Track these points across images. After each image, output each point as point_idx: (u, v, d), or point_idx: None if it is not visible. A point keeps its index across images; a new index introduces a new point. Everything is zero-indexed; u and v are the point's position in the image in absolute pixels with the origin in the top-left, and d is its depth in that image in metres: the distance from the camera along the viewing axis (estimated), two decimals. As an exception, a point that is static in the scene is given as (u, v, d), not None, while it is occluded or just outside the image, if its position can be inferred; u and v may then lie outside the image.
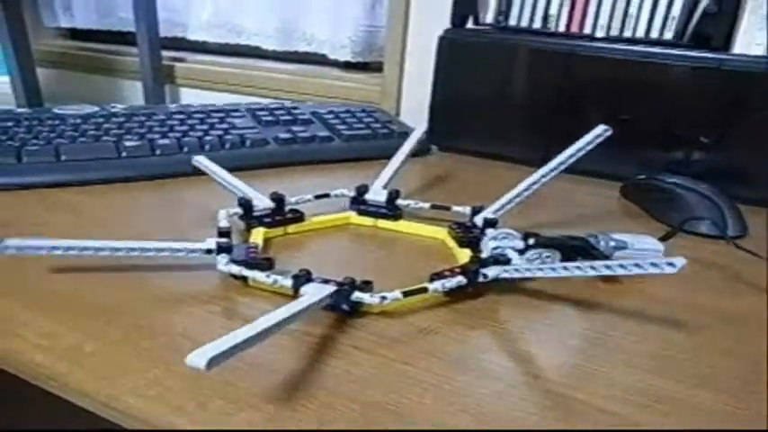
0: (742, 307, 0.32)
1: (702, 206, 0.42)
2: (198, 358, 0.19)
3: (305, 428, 0.21)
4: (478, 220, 0.38)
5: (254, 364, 0.24)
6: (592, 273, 0.27)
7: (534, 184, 0.39)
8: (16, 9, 0.72)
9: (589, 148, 0.37)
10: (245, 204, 0.37)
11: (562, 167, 0.38)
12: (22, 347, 0.25)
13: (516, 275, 0.30)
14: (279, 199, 0.39)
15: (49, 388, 0.24)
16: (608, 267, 0.26)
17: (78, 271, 0.31)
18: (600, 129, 0.37)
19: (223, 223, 0.35)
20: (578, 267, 0.27)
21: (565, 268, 0.27)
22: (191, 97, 0.94)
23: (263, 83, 0.86)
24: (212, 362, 0.19)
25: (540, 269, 0.28)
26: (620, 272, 0.26)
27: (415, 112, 0.62)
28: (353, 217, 0.41)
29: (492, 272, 0.30)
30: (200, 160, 0.44)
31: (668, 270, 0.24)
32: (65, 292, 0.29)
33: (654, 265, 0.25)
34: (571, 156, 0.38)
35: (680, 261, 0.24)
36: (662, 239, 0.36)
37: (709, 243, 0.40)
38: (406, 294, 0.28)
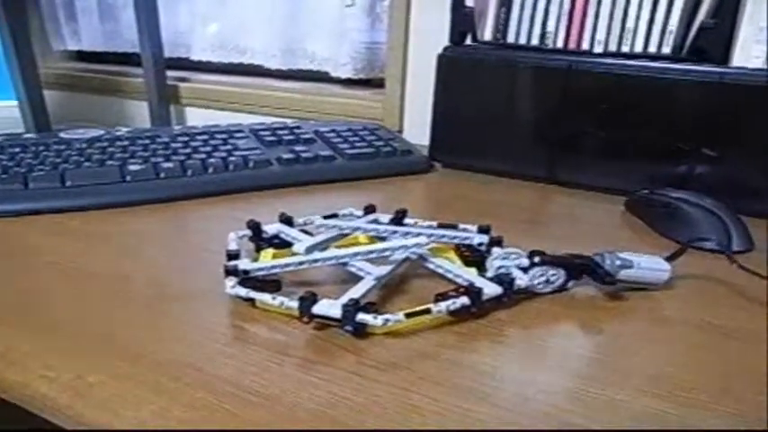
0: (747, 325, 0.31)
1: (707, 221, 0.42)
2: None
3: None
4: (484, 239, 0.38)
5: (255, 392, 0.24)
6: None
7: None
8: (24, 35, 0.73)
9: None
10: (254, 226, 0.38)
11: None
12: (25, 378, 0.25)
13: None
14: (287, 220, 0.39)
15: (51, 419, 0.24)
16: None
17: (81, 299, 0.32)
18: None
19: (232, 246, 0.35)
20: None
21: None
22: (195, 116, 0.95)
23: (266, 101, 0.87)
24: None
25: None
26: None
27: (418, 127, 0.62)
28: (361, 237, 0.41)
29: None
30: None
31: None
32: (69, 323, 0.29)
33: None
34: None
35: None
36: (668, 259, 0.35)
37: (715, 258, 0.40)
38: (408, 316, 0.29)
